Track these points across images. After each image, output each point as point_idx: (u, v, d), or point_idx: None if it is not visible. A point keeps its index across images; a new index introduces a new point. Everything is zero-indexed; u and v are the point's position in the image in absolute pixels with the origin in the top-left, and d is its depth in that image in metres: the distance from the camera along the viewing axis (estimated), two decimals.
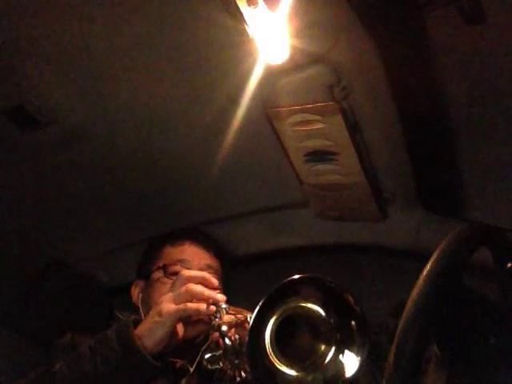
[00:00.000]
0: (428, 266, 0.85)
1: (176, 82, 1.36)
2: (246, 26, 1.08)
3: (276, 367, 1.20)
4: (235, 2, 1.02)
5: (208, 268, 1.62)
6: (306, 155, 1.52)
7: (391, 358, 0.80)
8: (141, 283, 1.67)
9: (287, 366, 1.22)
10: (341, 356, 1.22)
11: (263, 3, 1.01)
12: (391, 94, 1.32)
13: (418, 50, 1.28)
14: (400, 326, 0.81)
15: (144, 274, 1.67)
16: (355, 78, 1.30)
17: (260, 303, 1.18)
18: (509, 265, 0.96)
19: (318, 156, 1.51)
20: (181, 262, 1.61)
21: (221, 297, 1.38)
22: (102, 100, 1.42)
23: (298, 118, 1.40)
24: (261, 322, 1.20)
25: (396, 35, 1.24)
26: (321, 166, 1.55)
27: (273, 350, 1.21)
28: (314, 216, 1.81)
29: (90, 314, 1.97)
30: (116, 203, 1.80)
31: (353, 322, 1.22)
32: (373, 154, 1.51)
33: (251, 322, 1.18)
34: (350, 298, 1.22)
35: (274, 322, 1.21)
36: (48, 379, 1.29)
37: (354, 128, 1.41)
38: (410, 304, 0.82)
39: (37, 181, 1.67)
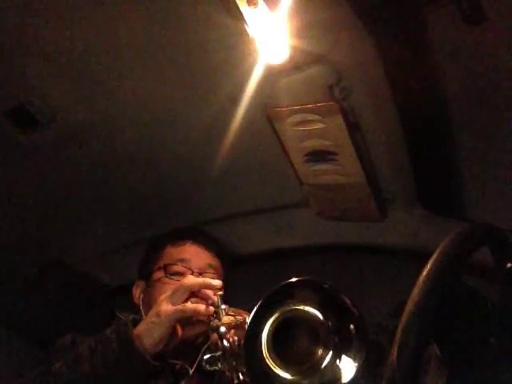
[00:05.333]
0: (428, 266, 0.85)
1: (176, 82, 1.36)
2: (246, 26, 1.08)
3: (272, 370, 1.20)
4: (235, 2, 1.02)
5: (209, 267, 1.62)
6: (306, 155, 1.52)
7: (391, 358, 0.80)
8: (142, 283, 1.67)
9: (283, 369, 1.21)
10: (338, 360, 1.22)
11: (263, 3, 1.01)
12: (391, 94, 1.32)
13: (417, 49, 1.28)
14: (400, 326, 0.81)
15: (145, 274, 1.67)
16: (355, 78, 1.30)
17: (257, 305, 1.18)
18: (509, 265, 0.96)
19: (317, 156, 1.51)
20: (181, 261, 1.61)
21: (217, 282, 1.38)
22: (102, 100, 1.42)
23: (298, 118, 1.40)
24: (257, 324, 1.19)
25: (396, 35, 1.24)
26: (321, 166, 1.55)
27: (269, 353, 1.20)
28: (314, 216, 1.81)
29: (90, 314, 1.97)
30: (116, 203, 1.81)
31: (351, 325, 1.21)
32: (373, 154, 1.51)
33: (248, 324, 1.17)
34: (348, 301, 1.21)
35: (271, 325, 1.21)
36: (47, 379, 1.29)
37: (354, 128, 1.41)
38: (409, 304, 0.82)
39: (37, 181, 1.67)
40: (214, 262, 1.67)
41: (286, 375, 1.21)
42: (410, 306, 0.82)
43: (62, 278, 2.01)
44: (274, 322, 1.21)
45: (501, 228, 1.16)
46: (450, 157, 1.53)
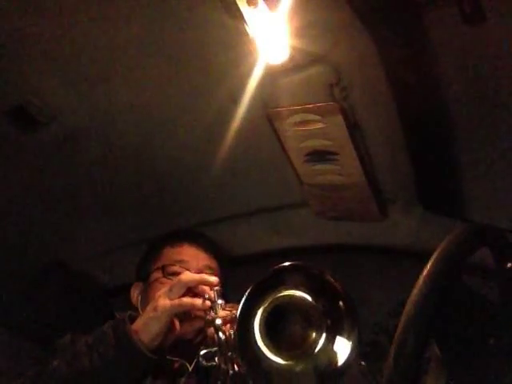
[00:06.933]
0: (428, 266, 0.85)
1: (176, 82, 1.36)
2: (246, 26, 1.08)
3: (265, 356, 1.20)
4: (235, 2, 1.02)
5: (207, 268, 1.63)
6: (306, 155, 1.52)
7: (391, 358, 0.80)
8: (140, 285, 1.68)
9: (277, 354, 1.21)
10: (332, 344, 1.22)
11: (263, 3, 1.01)
12: (391, 94, 1.32)
13: (417, 49, 1.28)
14: (400, 326, 0.81)
15: (143, 275, 1.68)
16: (355, 78, 1.30)
17: (247, 292, 1.19)
18: (509, 265, 0.96)
19: (318, 156, 1.51)
20: (179, 262, 1.62)
21: (213, 279, 1.39)
22: (102, 100, 1.42)
23: (298, 117, 1.40)
24: (249, 311, 1.20)
25: (396, 35, 1.24)
26: (321, 166, 1.55)
27: (263, 339, 1.20)
28: (314, 216, 1.81)
29: (90, 314, 1.97)
30: (116, 203, 1.80)
31: (340, 303, 1.22)
32: (373, 154, 1.51)
33: (239, 311, 1.18)
34: (334, 281, 1.22)
35: (263, 311, 1.21)
36: (46, 376, 1.30)
37: (353, 128, 1.41)
38: (409, 304, 0.82)
39: (37, 181, 1.67)
40: (212, 263, 1.68)
41: (280, 360, 1.21)
42: (409, 306, 0.82)
43: (61, 278, 2.01)
44: (265, 308, 1.22)
45: (501, 228, 1.16)
46: (450, 157, 1.53)
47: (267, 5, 1.02)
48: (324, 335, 1.23)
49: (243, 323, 1.19)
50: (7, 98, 1.39)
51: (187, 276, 1.39)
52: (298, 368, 1.22)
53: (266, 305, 1.22)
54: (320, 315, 1.23)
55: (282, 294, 1.23)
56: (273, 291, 1.22)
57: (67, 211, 1.81)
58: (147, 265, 1.69)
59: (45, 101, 1.40)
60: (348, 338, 1.21)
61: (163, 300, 1.33)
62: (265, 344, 1.20)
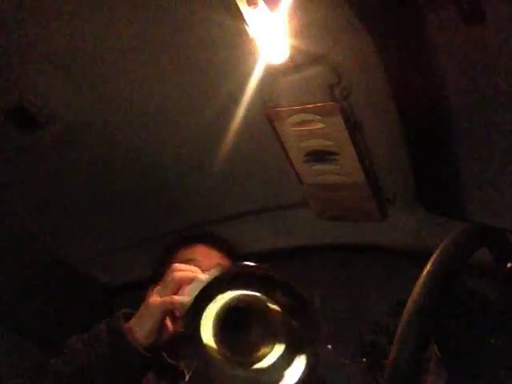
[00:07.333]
0: (428, 266, 0.85)
1: (176, 82, 1.36)
2: (246, 26, 1.08)
3: (210, 355, 1.12)
4: (235, 2, 1.02)
5: (218, 267, 1.64)
6: (306, 155, 1.52)
7: (391, 358, 0.80)
8: (154, 287, 1.68)
9: (223, 356, 1.12)
10: (284, 362, 1.12)
11: (263, 3, 1.01)
12: (391, 94, 1.32)
13: (417, 50, 1.28)
14: (400, 326, 0.82)
15: (158, 277, 1.68)
16: (355, 78, 1.30)
17: (207, 282, 1.12)
18: (509, 265, 0.97)
19: (318, 156, 1.51)
20: (192, 260, 1.62)
21: (206, 277, 1.38)
22: (102, 100, 1.42)
23: (298, 118, 1.40)
24: (198, 310, 1.12)
25: (396, 35, 1.24)
26: (321, 166, 1.55)
27: (215, 338, 1.12)
28: (314, 216, 1.81)
29: (90, 314, 1.97)
30: (116, 203, 1.81)
31: (305, 320, 1.12)
32: (373, 154, 1.50)
33: (192, 301, 1.12)
34: (303, 295, 1.13)
35: (221, 309, 1.13)
36: (43, 375, 1.29)
37: (354, 128, 1.41)
38: (409, 304, 0.82)
39: (37, 181, 1.67)
40: (225, 261, 1.70)
41: (225, 363, 1.13)
42: (410, 306, 0.82)
43: (61, 277, 2.01)
44: (223, 306, 1.14)
45: (501, 228, 1.16)
46: (451, 157, 1.53)
47: (267, 5, 1.02)
48: (278, 350, 1.14)
49: (194, 316, 1.11)
50: (7, 97, 1.39)
51: (180, 273, 1.39)
52: (242, 376, 1.13)
53: (221, 303, 1.13)
54: (279, 327, 1.14)
55: (243, 294, 1.14)
56: (234, 288, 1.14)
57: (67, 211, 1.82)
58: (161, 267, 1.69)
59: (45, 101, 1.40)
60: (305, 359, 1.11)
61: (155, 297, 1.33)
62: (217, 345, 1.12)
